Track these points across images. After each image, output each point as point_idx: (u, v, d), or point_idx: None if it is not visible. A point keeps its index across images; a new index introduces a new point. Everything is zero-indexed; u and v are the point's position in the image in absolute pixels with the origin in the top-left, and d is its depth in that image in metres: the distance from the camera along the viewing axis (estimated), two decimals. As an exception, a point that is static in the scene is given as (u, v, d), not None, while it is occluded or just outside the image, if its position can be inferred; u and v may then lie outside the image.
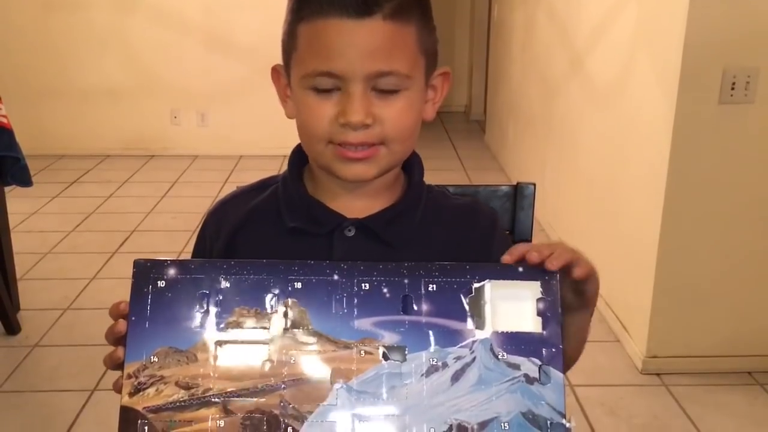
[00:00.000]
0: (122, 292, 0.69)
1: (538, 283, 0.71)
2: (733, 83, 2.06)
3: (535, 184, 1.09)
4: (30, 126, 4.34)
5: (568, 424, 0.68)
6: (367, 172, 0.82)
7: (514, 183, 1.08)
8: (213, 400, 0.68)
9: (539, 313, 0.70)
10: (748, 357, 2.32)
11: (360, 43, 0.76)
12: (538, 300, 0.70)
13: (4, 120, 2.40)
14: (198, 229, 0.93)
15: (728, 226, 2.21)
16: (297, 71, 0.81)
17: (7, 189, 2.64)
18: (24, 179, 2.46)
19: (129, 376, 0.69)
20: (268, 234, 0.88)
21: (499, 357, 0.69)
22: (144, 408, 0.68)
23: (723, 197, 2.18)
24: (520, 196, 1.08)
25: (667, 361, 2.32)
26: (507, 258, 0.73)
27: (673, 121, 2.10)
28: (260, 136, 4.70)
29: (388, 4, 0.76)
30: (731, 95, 2.07)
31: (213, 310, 0.70)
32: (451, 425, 0.67)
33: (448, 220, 0.89)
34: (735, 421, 2.10)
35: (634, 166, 2.43)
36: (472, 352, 0.69)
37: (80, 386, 2.21)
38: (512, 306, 0.71)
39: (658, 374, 2.31)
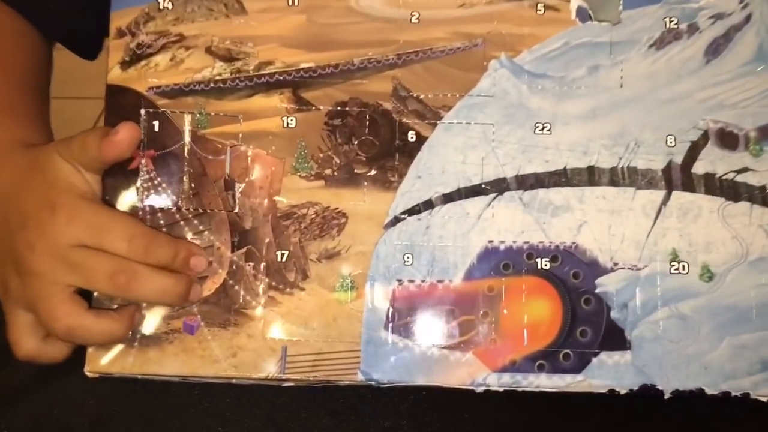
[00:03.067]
0: None
1: None
2: None
3: None
4: None
5: None
6: None
7: None
8: (276, 80, 0.39)
9: None
10: None
11: None
12: None
13: None
14: None
15: None
16: None
17: None
18: None
19: (120, 33, 0.40)
20: None
21: (793, 17, 0.38)
22: (150, 89, 0.40)
23: None
24: None
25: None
26: None
27: None
28: None
29: None
30: None
31: None
32: (705, 131, 0.38)
33: None
34: None
35: None
36: (744, 5, 0.38)
37: (96, 93, 2.04)
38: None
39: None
